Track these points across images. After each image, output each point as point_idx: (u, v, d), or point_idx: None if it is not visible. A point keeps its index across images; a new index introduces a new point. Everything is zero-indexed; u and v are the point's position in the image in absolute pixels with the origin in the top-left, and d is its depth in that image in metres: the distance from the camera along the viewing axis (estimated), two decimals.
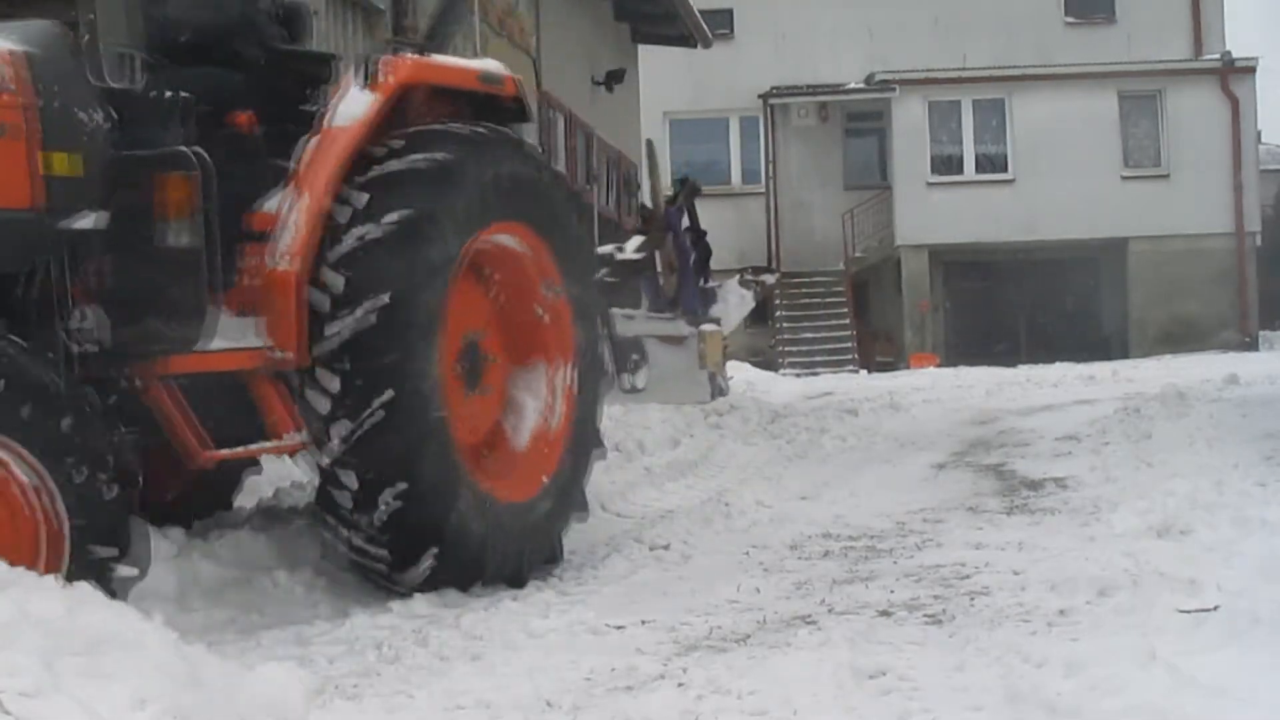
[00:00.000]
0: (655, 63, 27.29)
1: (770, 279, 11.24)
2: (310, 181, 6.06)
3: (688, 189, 10.19)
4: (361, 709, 4.43)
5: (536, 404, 6.97)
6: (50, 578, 4.39)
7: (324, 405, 5.94)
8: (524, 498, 6.67)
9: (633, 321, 8.99)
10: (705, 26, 24.03)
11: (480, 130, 6.59)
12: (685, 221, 10.38)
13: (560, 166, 18.50)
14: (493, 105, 6.92)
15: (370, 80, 6.28)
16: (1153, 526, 7.00)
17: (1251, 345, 32.54)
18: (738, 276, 10.69)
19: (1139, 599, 5.33)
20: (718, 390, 9.02)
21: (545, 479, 6.81)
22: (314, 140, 6.16)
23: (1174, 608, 5.06)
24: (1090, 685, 4.17)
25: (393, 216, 6.04)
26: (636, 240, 9.61)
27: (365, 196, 6.06)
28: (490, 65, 6.99)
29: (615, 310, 8.68)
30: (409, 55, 6.56)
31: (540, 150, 7.35)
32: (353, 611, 5.95)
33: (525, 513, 6.63)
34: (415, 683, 4.77)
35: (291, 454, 6.22)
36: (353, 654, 5.25)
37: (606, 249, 9.71)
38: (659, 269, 9.86)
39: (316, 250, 6.00)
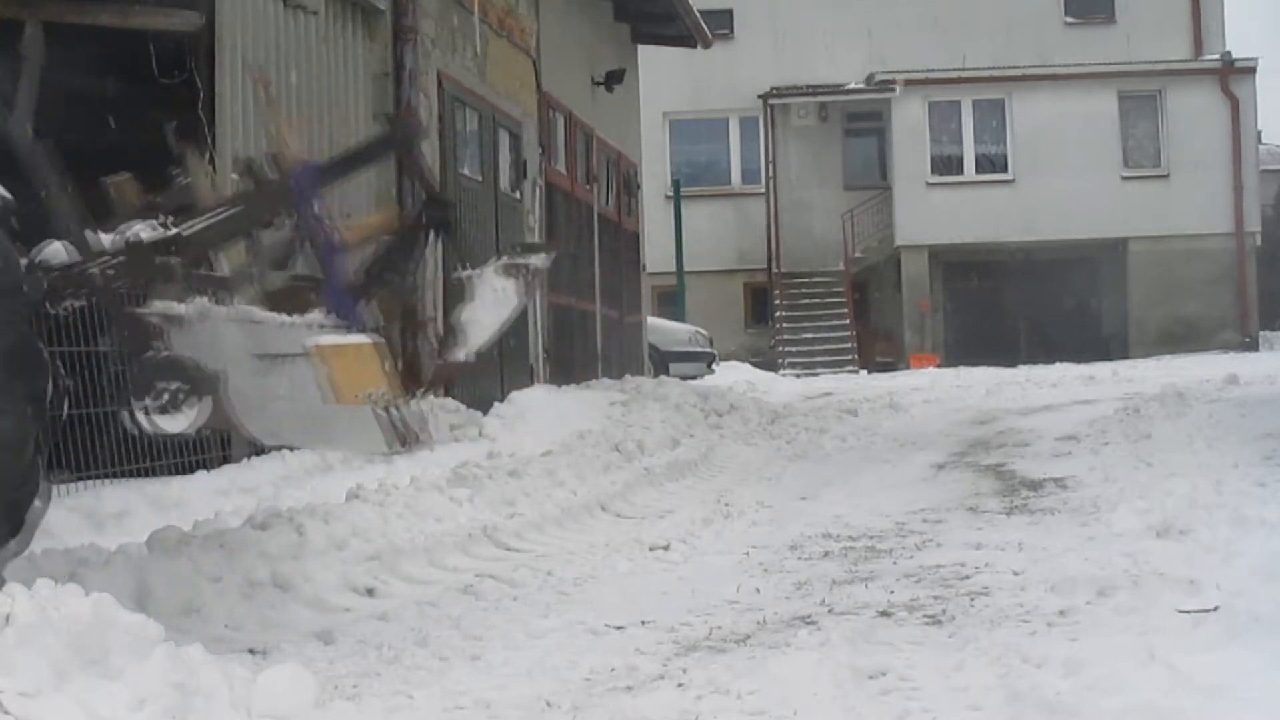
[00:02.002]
0: (655, 63, 27.28)
1: (540, 260, 7.01)
2: None
3: (396, 130, 6.93)
4: (361, 709, 4.42)
5: None
6: (75, 585, 4.33)
7: None
8: None
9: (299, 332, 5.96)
10: (705, 26, 24.01)
11: None
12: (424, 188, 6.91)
13: (560, 166, 18.53)
14: None
15: None
16: (1152, 526, 7.00)
17: (1251, 345, 32.56)
18: (498, 260, 7.08)
19: (1138, 599, 5.34)
20: (405, 434, 5.72)
21: None
22: None
23: (1173, 608, 5.07)
24: (1089, 685, 4.17)
25: None
26: (216, 214, 6.27)
27: None
28: None
29: (300, 319, 6.04)
30: None
31: None
32: (352, 611, 5.95)
33: None
34: (415, 683, 4.76)
35: None
36: (353, 654, 5.25)
37: (137, 228, 6.09)
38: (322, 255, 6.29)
39: None
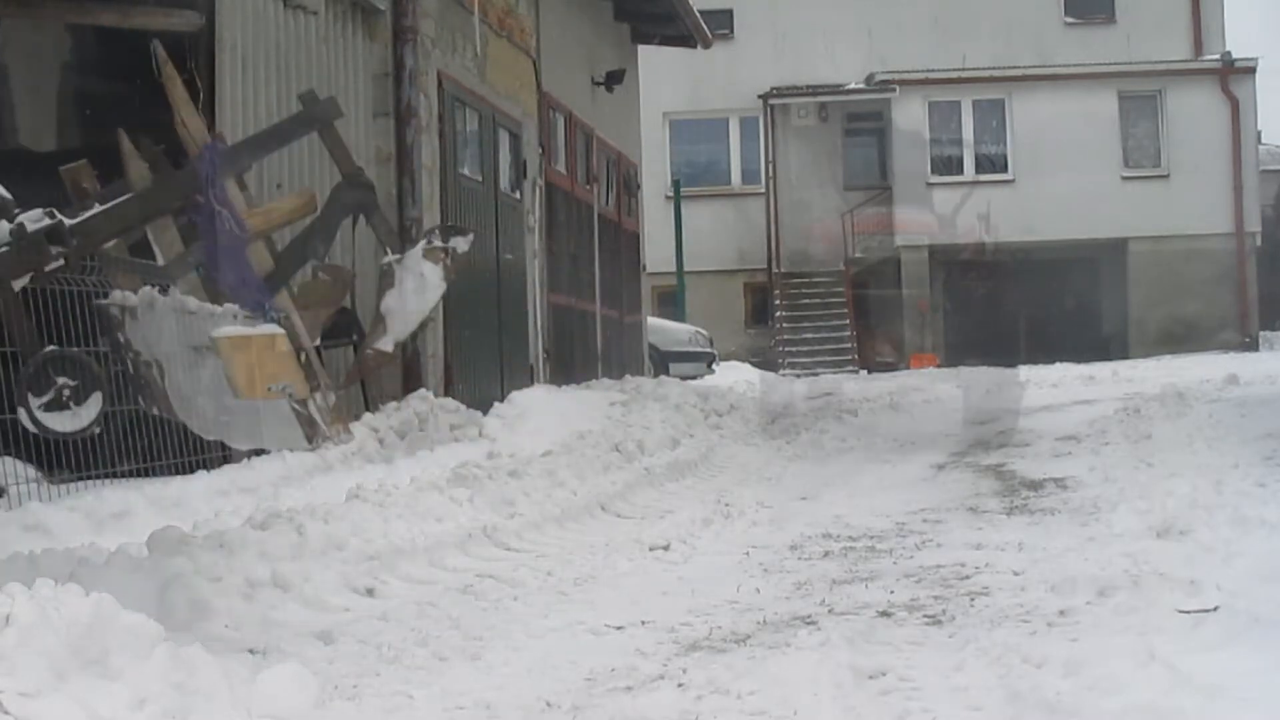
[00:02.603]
0: (655, 63, 27.29)
1: (463, 243, 6.66)
2: None
3: (312, 110, 6.28)
4: (361, 709, 4.42)
5: None
6: (75, 585, 4.33)
7: None
8: None
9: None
10: (705, 26, 24.01)
11: None
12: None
13: (560, 166, 18.53)
14: None
15: None
16: (1152, 526, 7.00)
17: (1251, 345, 32.57)
18: (421, 244, 6.70)
19: (1139, 599, 5.34)
20: (312, 430, 5.14)
21: None
22: None
23: (1173, 608, 5.07)
24: (1089, 685, 4.17)
25: None
26: (107, 204, 5.66)
27: None
28: None
29: (225, 310, 5.52)
30: None
31: None
32: (352, 611, 5.94)
33: None
34: (415, 683, 4.76)
35: None
36: (353, 654, 5.24)
37: (22, 218, 5.69)
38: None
39: None
